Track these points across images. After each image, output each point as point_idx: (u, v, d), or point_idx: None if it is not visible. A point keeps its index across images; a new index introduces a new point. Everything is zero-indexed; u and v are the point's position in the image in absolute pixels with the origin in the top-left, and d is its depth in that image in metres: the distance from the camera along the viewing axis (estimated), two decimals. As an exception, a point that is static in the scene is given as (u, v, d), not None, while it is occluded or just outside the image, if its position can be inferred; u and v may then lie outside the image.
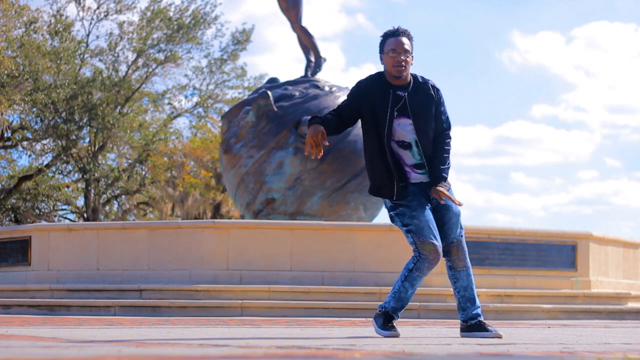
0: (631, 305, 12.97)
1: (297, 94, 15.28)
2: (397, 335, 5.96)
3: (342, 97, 15.44)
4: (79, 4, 31.05)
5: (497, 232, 13.07)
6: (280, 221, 13.88)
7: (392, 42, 5.97)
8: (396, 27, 6.03)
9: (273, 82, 16.15)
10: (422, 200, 5.96)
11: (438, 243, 5.92)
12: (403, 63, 5.92)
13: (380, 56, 6.04)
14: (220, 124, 24.28)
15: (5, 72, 26.83)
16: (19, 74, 27.82)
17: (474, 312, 6.12)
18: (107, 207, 33.80)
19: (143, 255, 12.58)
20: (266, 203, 15.14)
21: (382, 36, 6.06)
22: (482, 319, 6.12)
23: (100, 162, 31.90)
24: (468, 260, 6.15)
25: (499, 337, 5.92)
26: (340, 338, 5.78)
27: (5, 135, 30.29)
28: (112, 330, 6.70)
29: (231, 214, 31.48)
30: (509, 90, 57.06)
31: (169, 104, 34.47)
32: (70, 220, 33.86)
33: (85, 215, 31.59)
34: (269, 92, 15.08)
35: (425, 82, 6.04)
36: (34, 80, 28.69)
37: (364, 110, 5.99)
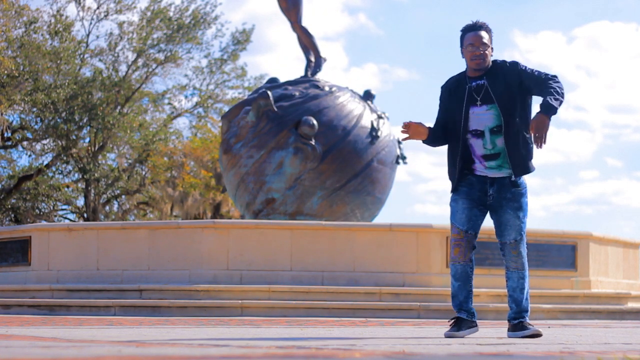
0: (631, 305, 12.96)
1: (297, 94, 15.27)
2: (458, 336, 6.07)
3: (342, 97, 15.44)
4: (79, 4, 31.05)
5: (497, 232, 13.05)
6: (280, 221, 13.88)
7: (471, 36, 6.16)
8: (474, 21, 6.22)
9: (273, 82, 16.15)
10: (474, 193, 6.13)
11: (463, 228, 6.13)
12: (481, 56, 6.11)
13: (461, 50, 6.23)
14: (220, 124, 24.28)
15: (5, 72, 26.82)
16: (19, 74, 27.81)
17: (516, 313, 6.24)
18: (107, 207, 33.79)
19: (143, 255, 12.58)
20: (266, 203, 15.14)
21: (462, 31, 6.24)
22: (524, 320, 6.19)
23: (100, 162, 31.89)
24: (523, 262, 6.32)
25: (538, 335, 6.04)
26: (340, 338, 5.78)
27: (5, 135, 30.28)
28: (112, 330, 6.69)
29: (231, 214, 31.47)
30: (509, 90, 56.85)
31: (169, 104, 34.48)
32: (70, 220, 33.85)
33: (85, 215, 31.58)
34: (269, 92, 15.08)
35: (502, 63, 6.21)
36: (34, 80, 28.69)
37: (449, 105, 6.20)
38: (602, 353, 4.23)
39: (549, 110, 5.87)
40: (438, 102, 6.32)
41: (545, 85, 6.01)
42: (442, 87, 6.30)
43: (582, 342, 5.62)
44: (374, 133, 15.27)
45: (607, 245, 14.18)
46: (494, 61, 6.21)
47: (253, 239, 12.41)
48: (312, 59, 16.44)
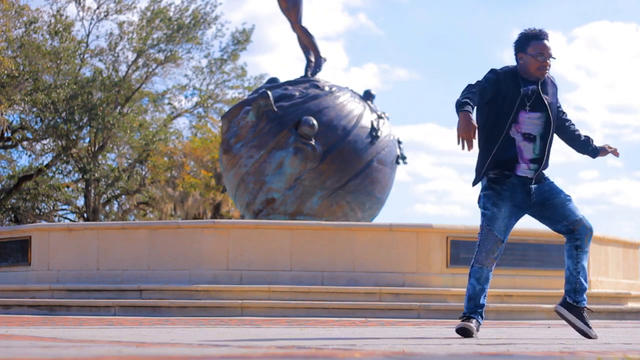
0: (631, 305, 12.96)
1: (297, 94, 15.27)
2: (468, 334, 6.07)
3: (342, 97, 15.43)
4: (79, 4, 31.04)
5: (497, 232, 13.05)
6: (280, 221, 13.87)
7: (539, 46, 6.16)
8: (539, 29, 6.21)
9: (273, 82, 16.15)
10: (517, 197, 6.12)
11: (502, 239, 6.19)
12: (548, 67, 6.16)
13: (519, 54, 6.19)
14: (220, 124, 24.27)
15: (5, 72, 26.81)
16: (19, 74, 27.81)
17: (584, 297, 6.33)
18: (107, 207, 33.78)
19: (143, 255, 12.58)
20: (266, 203, 15.13)
21: (524, 36, 6.20)
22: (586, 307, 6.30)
23: (100, 162, 31.89)
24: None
25: (590, 337, 6.07)
26: (340, 338, 5.78)
27: (5, 135, 30.28)
28: (112, 330, 6.69)
29: (231, 214, 31.47)
30: (509, 90, 56.84)
31: (169, 104, 34.47)
32: (70, 220, 33.84)
33: (85, 215, 31.58)
34: (269, 92, 15.08)
35: (551, 77, 6.29)
36: (34, 80, 28.69)
37: (497, 96, 6.10)
38: (602, 353, 4.23)
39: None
40: (486, 75, 6.14)
41: (571, 127, 6.46)
42: (497, 71, 6.15)
43: (582, 342, 5.63)
44: (374, 133, 15.27)
45: (607, 245, 14.18)
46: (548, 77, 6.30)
47: (253, 239, 12.40)
48: (312, 59, 16.44)
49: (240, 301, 11.30)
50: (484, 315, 6.33)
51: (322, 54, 16.51)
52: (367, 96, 16.12)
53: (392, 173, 15.87)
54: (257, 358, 3.60)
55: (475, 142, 5.89)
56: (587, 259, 6.30)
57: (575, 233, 6.19)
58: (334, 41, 51.57)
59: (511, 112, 6.06)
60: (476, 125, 5.81)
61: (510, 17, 56.60)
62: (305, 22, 16.52)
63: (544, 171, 6.21)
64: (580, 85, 55.48)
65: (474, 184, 6.25)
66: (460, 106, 5.85)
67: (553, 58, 6.17)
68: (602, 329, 8.52)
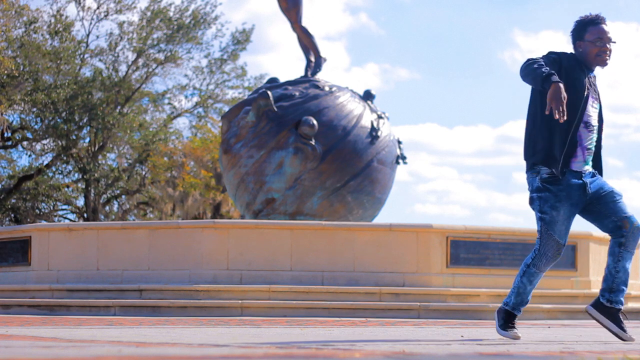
0: (631, 305, 12.96)
1: (297, 94, 15.27)
2: (516, 337, 5.84)
3: (342, 97, 15.43)
4: (79, 4, 31.05)
5: (497, 232, 13.07)
6: (280, 221, 13.87)
7: (597, 30, 5.89)
8: (595, 14, 5.93)
9: (273, 82, 16.14)
10: (574, 195, 5.81)
11: (563, 243, 5.88)
12: (609, 52, 5.89)
13: (577, 43, 5.94)
14: (220, 124, 24.27)
15: (5, 72, 26.81)
16: (19, 74, 27.82)
17: (621, 298, 5.96)
18: (107, 207, 33.78)
19: (143, 255, 12.57)
20: (266, 203, 15.13)
21: (580, 23, 5.95)
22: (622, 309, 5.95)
23: (100, 162, 31.89)
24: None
25: (628, 340, 5.80)
26: (340, 338, 5.78)
27: (5, 135, 30.28)
28: (112, 330, 6.69)
29: (231, 214, 31.47)
30: (511, 90, 57.07)
31: (169, 104, 34.47)
32: (70, 220, 33.84)
33: (85, 215, 31.58)
34: (269, 92, 15.08)
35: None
36: (34, 80, 28.69)
37: (566, 76, 5.80)
38: (602, 353, 4.23)
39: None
40: (544, 55, 5.83)
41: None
42: (554, 52, 5.87)
43: (582, 342, 5.62)
44: (374, 133, 15.27)
45: (607, 245, 14.16)
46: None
47: (253, 239, 12.40)
48: (312, 59, 16.44)
49: (240, 301, 11.30)
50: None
51: (322, 54, 16.51)
52: (367, 96, 16.12)
53: (392, 173, 15.87)
54: (257, 358, 3.60)
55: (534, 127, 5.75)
56: (631, 260, 5.94)
57: (622, 230, 5.83)
58: (336, 41, 51.61)
59: (581, 100, 5.77)
60: (565, 95, 5.52)
61: (511, 18, 56.61)
62: (306, 22, 16.53)
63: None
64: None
65: (550, 180, 5.79)
66: (546, 77, 5.52)
67: (613, 42, 5.90)
68: (602, 329, 8.51)
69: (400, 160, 16.14)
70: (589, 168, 5.91)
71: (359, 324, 8.58)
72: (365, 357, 3.69)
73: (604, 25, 5.90)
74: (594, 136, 5.92)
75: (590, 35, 5.88)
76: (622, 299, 5.94)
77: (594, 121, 5.91)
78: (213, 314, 10.94)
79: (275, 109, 14.97)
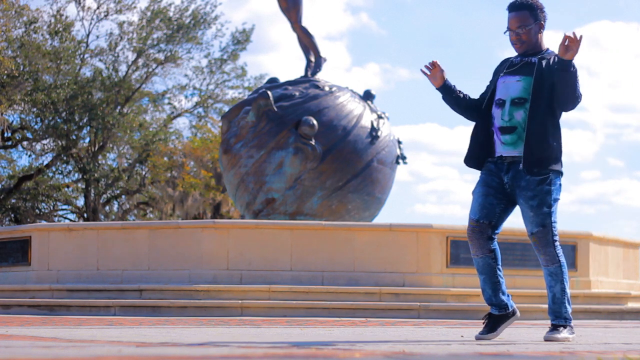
0: (631, 305, 12.96)
1: (297, 94, 15.27)
2: (489, 337, 5.85)
3: (342, 97, 15.44)
4: (79, 4, 31.04)
5: (497, 232, 13.05)
6: (280, 221, 13.87)
7: (509, 18, 5.91)
8: (512, 1, 5.92)
9: (273, 82, 16.15)
10: (492, 179, 5.84)
11: (474, 218, 5.83)
12: (519, 40, 5.85)
13: None
14: (220, 124, 24.26)
15: (5, 72, 26.81)
16: (19, 74, 27.81)
17: (549, 314, 5.86)
18: (107, 207, 33.77)
19: (143, 255, 12.58)
20: (266, 203, 15.13)
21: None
22: (557, 323, 5.77)
23: (100, 162, 31.88)
24: (549, 257, 5.86)
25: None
26: (340, 338, 5.78)
27: (5, 135, 30.28)
28: (112, 330, 6.69)
29: (231, 214, 31.46)
30: (510, 90, 56.80)
31: (169, 104, 34.46)
32: (70, 220, 33.85)
33: (85, 215, 31.58)
34: (269, 92, 15.08)
35: (549, 52, 5.90)
36: (34, 80, 28.69)
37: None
38: (602, 353, 4.23)
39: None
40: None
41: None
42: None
43: (582, 342, 5.62)
44: (374, 133, 15.27)
45: (607, 245, 14.17)
46: (555, 54, 5.81)
47: (253, 239, 12.40)
48: (312, 59, 16.44)
49: (240, 301, 11.30)
50: (507, 303, 6.00)
51: (323, 54, 16.51)
52: (367, 96, 16.12)
53: (392, 173, 15.87)
54: (257, 358, 3.60)
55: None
56: (548, 275, 5.89)
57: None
58: (336, 41, 51.60)
59: (494, 83, 5.95)
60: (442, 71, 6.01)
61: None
62: (307, 22, 16.53)
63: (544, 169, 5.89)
64: (582, 84, 55.35)
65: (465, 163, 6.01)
66: None
67: (514, 31, 5.81)
68: (602, 329, 8.52)
69: (400, 160, 16.14)
70: (515, 151, 5.79)
71: (359, 324, 8.58)
72: (365, 357, 3.69)
73: (512, 13, 5.89)
74: (507, 110, 5.79)
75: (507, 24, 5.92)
76: (554, 312, 5.87)
77: (506, 96, 5.80)
78: (213, 314, 10.94)
79: (275, 109, 14.97)
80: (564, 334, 5.74)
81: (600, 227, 64.30)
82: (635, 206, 54.36)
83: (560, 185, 5.92)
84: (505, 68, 5.91)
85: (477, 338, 5.85)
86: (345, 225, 12.98)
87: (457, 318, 11.04)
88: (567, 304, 5.83)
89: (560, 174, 5.91)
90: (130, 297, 11.75)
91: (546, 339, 5.72)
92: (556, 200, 5.86)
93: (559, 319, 5.81)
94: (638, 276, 15.31)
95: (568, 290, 5.87)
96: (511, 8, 5.89)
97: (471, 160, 6.01)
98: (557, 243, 5.88)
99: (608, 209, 56.15)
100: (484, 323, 5.95)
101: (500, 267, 5.98)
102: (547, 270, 5.89)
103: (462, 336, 6.25)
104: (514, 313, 5.97)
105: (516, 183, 5.80)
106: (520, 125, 5.77)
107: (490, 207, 5.83)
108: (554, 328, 5.80)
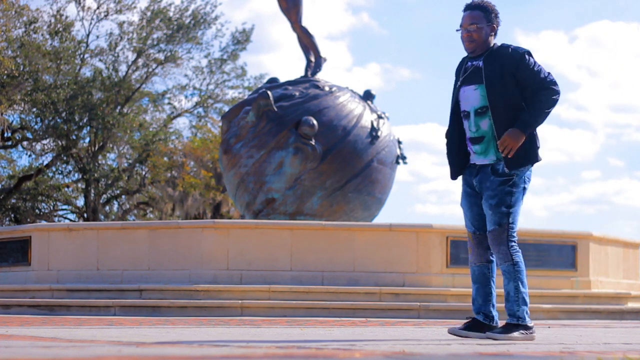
0: (631, 305, 12.96)
1: (297, 94, 15.27)
2: (460, 334, 5.88)
3: (342, 97, 15.44)
4: (79, 4, 31.04)
5: (497, 232, 13.04)
6: (280, 221, 13.87)
7: (463, 17, 5.99)
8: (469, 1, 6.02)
9: (273, 82, 16.15)
10: (469, 188, 5.99)
11: (470, 231, 6.06)
12: (469, 38, 5.92)
13: None
14: (220, 124, 24.26)
15: (5, 72, 26.82)
16: (19, 74, 27.82)
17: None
18: (107, 207, 33.78)
19: (143, 255, 12.58)
20: (266, 203, 15.13)
21: None
22: (510, 322, 5.86)
23: (100, 162, 31.89)
24: (502, 256, 5.89)
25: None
26: (340, 338, 5.77)
27: (5, 135, 30.28)
28: (112, 330, 6.69)
29: (231, 214, 31.46)
30: (510, 90, 56.80)
31: (169, 104, 34.46)
32: (70, 220, 33.85)
33: (85, 215, 31.58)
34: (269, 92, 15.08)
35: (505, 47, 5.92)
36: (34, 80, 28.69)
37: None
38: (602, 353, 4.23)
39: (524, 127, 5.70)
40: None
41: (534, 97, 5.76)
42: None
43: (582, 342, 5.62)
44: (374, 133, 15.27)
45: (607, 245, 14.17)
46: (501, 45, 5.92)
47: (253, 239, 12.40)
48: (312, 59, 16.44)
49: (240, 301, 11.30)
50: (494, 316, 6.15)
51: (323, 54, 16.51)
52: (367, 96, 16.12)
53: (392, 173, 15.87)
54: (257, 358, 3.61)
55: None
56: (503, 273, 6.04)
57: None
58: (337, 40, 51.60)
59: (457, 93, 5.98)
60: None
61: (512, 18, 56.57)
62: (308, 22, 16.55)
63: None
64: (582, 84, 55.45)
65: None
66: None
67: (466, 29, 5.88)
68: (602, 329, 8.52)
69: (400, 160, 16.14)
70: (486, 160, 5.87)
71: (359, 324, 8.58)
72: (365, 357, 3.69)
73: (465, 12, 5.98)
74: (472, 121, 5.88)
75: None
76: (508, 312, 5.96)
77: (470, 107, 5.89)
78: (213, 314, 10.94)
79: (275, 109, 14.97)
80: (515, 334, 5.75)
81: (600, 227, 64.30)
82: (635, 206, 54.37)
83: (530, 173, 5.94)
84: (462, 74, 5.97)
85: (451, 332, 5.93)
86: (345, 225, 12.98)
87: (457, 318, 11.03)
88: (521, 304, 5.89)
89: (532, 163, 5.91)
90: (130, 297, 11.75)
91: (487, 337, 5.78)
92: (525, 189, 5.90)
93: (511, 317, 5.88)
94: (638, 276, 15.31)
95: (523, 290, 5.95)
96: (466, 7, 6.01)
97: (455, 175, 6.11)
98: (513, 243, 5.92)
99: (608, 209, 56.16)
100: (464, 323, 6.02)
101: (494, 280, 6.08)
102: (501, 268, 5.99)
103: (462, 336, 6.24)
104: (494, 328, 5.95)
105: (483, 185, 5.92)
106: (488, 133, 5.86)
107: (479, 217, 6.02)
108: (506, 327, 5.84)
